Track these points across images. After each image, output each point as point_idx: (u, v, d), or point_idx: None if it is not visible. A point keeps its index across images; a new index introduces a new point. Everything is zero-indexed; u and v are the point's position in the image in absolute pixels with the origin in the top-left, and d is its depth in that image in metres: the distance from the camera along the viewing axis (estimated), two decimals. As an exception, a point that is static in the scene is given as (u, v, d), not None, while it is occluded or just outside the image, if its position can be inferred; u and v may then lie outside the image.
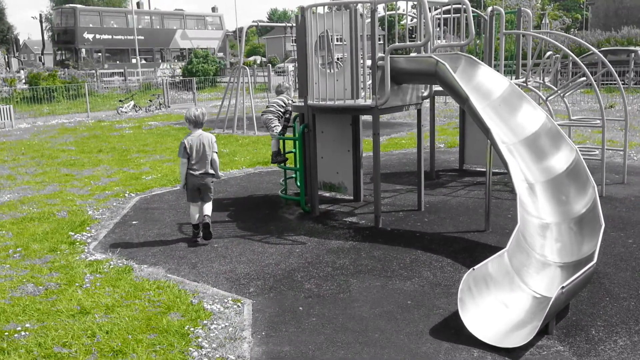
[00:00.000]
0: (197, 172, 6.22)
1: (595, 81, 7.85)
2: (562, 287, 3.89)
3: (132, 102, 22.77)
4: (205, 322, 4.41)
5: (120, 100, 23.68)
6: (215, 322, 4.41)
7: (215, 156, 6.31)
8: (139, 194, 8.71)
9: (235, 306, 4.69)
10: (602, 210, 4.88)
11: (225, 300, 4.80)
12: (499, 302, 4.33)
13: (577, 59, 7.89)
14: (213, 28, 50.50)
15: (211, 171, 6.30)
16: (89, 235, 6.75)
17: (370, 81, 6.78)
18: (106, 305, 4.74)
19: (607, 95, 19.50)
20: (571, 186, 5.29)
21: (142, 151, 12.84)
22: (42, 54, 54.42)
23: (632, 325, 4.17)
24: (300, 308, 4.64)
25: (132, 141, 14.51)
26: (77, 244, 6.42)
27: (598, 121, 8.16)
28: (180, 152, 6.20)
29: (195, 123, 6.24)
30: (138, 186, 9.19)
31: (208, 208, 6.39)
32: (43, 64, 51.33)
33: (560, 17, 66.48)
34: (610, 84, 22.45)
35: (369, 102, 6.64)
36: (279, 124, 7.60)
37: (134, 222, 7.23)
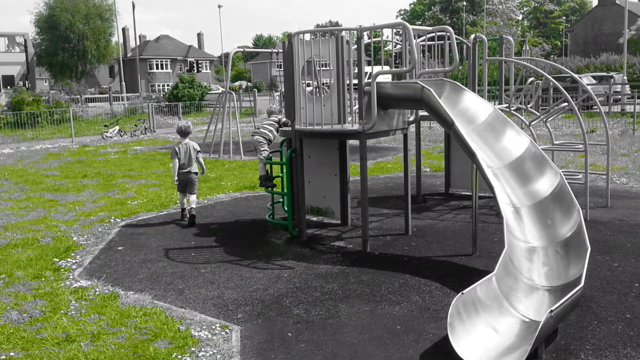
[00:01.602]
0: (184, 170, 8.27)
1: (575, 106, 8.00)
2: (551, 311, 3.91)
3: (117, 127, 22.71)
4: (193, 349, 4.35)
5: (105, 125, 23.59)
6: (203, 349, 4.36)
7: (200, 159, 8.45)
8: (125, 219, 8.64)
9: (223, 333, 4.65)
10: (587, 233, 4.93)
11: (213, 327, 4.75)
12: (488, 327, 4.33)
13: (558, 85, 8.05)
14: (12, 50, 39.74)
15: (195, 170, 8.36)
16: (73, 261, 6.67)
17: (357, 106, 6.85)
18: (92, 332, 4.67)
19: (587, 120, 19.84)
20: (556, 210, 5.35)
21: (128, 176, 12.77)
22: None
23: (620, 349, 4.19)
24: (289, 334, 4.61)
25: (117, 166, 14.42)
26: (62, 270, 6.33)
27: (581, 146, 8.29)
28: (172, 155, 8.26)
29: (182, 133, 8.33)
30: (123, 211, 9.12)
31: (193, 201, 8.30)
32: None
33: (540, 44, 67.91)
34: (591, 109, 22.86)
35: (356, 126, 6.69)
36: (268, 149, 7.64)
37: (119, 248, 7.16)
